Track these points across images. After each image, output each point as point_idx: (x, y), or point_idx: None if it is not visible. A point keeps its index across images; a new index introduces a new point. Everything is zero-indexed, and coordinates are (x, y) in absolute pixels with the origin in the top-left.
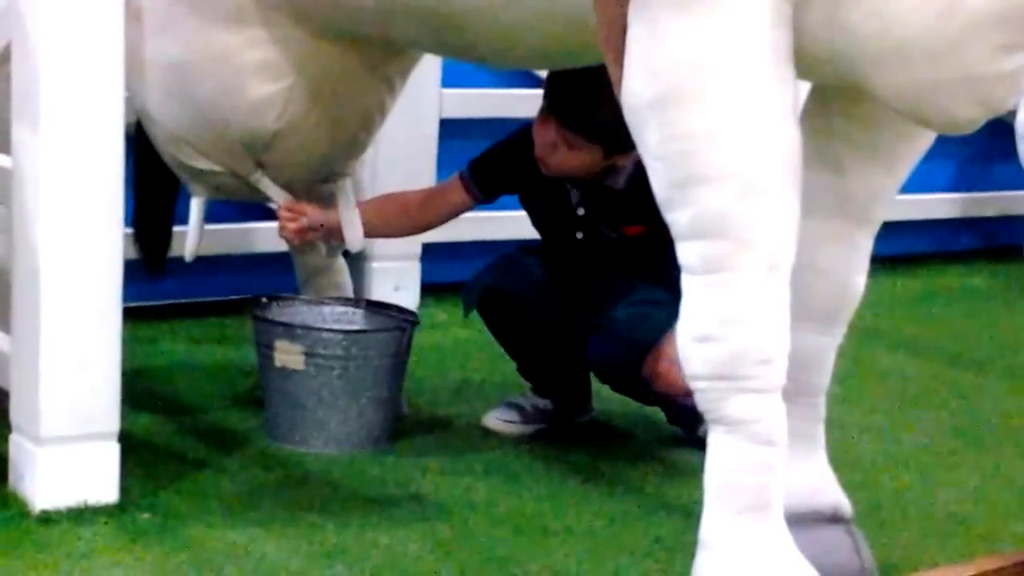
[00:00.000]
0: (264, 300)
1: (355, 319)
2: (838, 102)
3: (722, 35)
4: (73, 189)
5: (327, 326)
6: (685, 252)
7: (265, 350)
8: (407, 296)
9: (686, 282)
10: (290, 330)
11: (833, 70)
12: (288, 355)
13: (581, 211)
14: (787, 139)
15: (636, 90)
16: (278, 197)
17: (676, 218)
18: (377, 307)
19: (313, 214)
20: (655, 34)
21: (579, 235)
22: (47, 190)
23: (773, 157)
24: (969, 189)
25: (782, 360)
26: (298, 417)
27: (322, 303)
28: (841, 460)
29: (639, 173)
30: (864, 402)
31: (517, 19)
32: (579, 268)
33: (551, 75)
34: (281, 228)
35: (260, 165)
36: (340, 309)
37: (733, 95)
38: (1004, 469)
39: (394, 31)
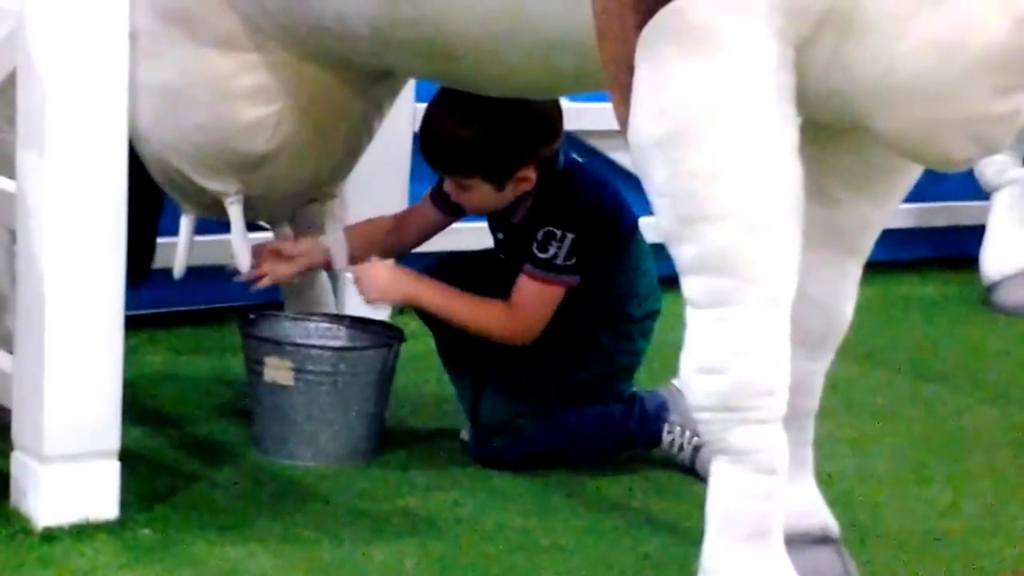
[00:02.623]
0: (252, 316)
1: (340, 335)
2: (830, 136)
3: (727, 77)
4: (77, 212)
5: (316, 343)
6: (690, 286)
7: (255, 366)
8: (380, 306)
9: (690, 315)
10: (280, 347)
11: (833, 109)
12: (277, 371)
13: (500, 236)
14: (789, 178)
15: (643, 130)
16: (238, 234)
17: (681, 253)
18: (361, 324)
19: (299, 251)
20: (662, 75)
21: (502, 256)
22: (51, 213)
23: (776, 195)
24: (921, 199)
25: (783, 391)
26: (287, 431)
27: (308, 319)
28: (816, 475)
29: (535, 213)
30: (833, 415)
31: (513, 50)
32: (497, 288)
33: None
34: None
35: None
36: (325, 325)
37: (738, 135)
38: (976, 483)
39: (388, 60)
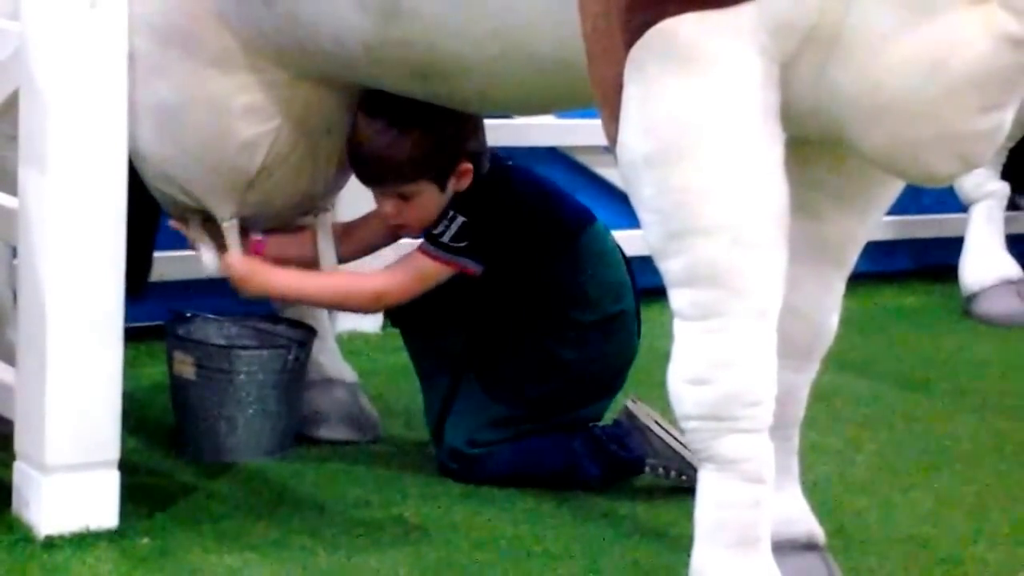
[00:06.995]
0: (188, 315)
1: (252, 336)
2: (815, 152)
3: (715, 95)
4: (77, 228)
5: (218, 341)
6: (678, 299)
7: (168, 360)
8: (371, 318)
9: (678, 327)
10: (183, 342)
11: (817, 126)
12: (183, 365)
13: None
14: (775, 193)
15: (632, 146)
16: (234, 250)
17: (670, 267)
18: (293, 327)
19: (286, 247)
20: (650, 94)
21: None
22: (52, 229)
23: (763, 210)
24: (903, 212)
25: (770, 401)
26: (191, 426)
27: (239, 321)
28: (801, 483)
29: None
30: (816, 423)
31: (505, 70)
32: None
33: (349, 157)
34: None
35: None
36: (251, 328)
37: (725, 152)
38: (957, 491)
39: (382, 79)
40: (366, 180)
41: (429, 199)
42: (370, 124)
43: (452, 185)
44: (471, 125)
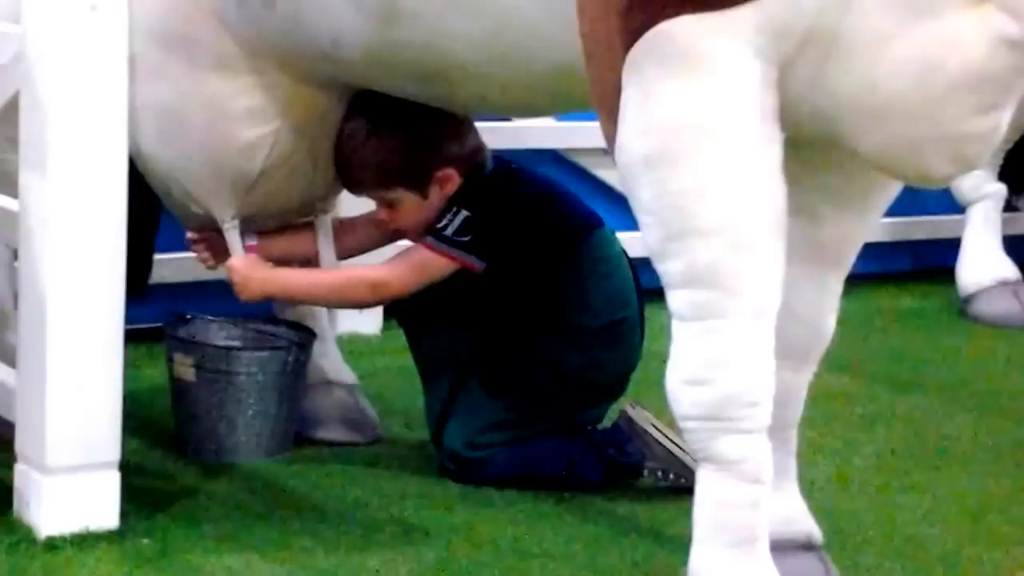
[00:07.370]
0: (188, 316)
1: (251, 338)
2: (813, 153)
3: (713, 97)
4: (78, 230)
5: (217, 342)
6: (676, 300)
7: (168, 362)
8: (370, 318)
9: (676, 328)
10: (184, 344)
11: (814, 128)
12: (183, 367)
13: None
14: (773, 195)
15: (630, 148)
16: (236, 253)
17: (668, 268)
18: (295, 329)
19: (285, 246)
20: (648, 96)
21: None
22: (53, 231)
23: (761, 212)
24: (900, 213)
25: (768, 402)
26: (193, 427)
27: (238, 323)
28: (799, 483)
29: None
30: (814, 424)
31: (505, 72)
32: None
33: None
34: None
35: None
36: (252, 331)
37: (723, 154)
38: (955, 491)
39: (383, 82)
40: (345, 185)
41: (413, 206)
42: (345, 129)
43: (436, 193)
44: (453, 130)
